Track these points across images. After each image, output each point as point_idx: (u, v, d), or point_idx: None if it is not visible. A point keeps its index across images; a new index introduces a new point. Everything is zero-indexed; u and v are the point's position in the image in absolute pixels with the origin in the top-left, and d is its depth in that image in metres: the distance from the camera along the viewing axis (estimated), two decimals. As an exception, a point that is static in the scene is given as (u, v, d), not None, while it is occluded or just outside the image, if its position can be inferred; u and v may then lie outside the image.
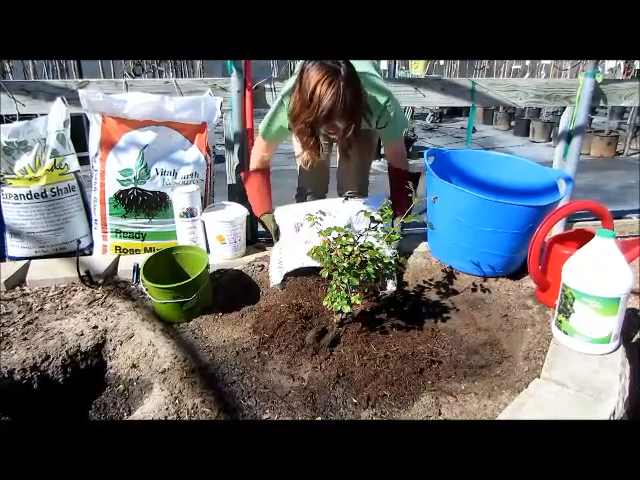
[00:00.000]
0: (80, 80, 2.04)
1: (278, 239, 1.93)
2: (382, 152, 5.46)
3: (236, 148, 2.08)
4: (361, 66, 1.80)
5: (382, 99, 1.72)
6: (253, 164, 1.96)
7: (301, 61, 1.92)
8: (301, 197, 2.22)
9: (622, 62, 7.90)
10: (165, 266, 1.64)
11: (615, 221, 1.57)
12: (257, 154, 1.93)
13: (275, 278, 1.73)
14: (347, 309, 1.40)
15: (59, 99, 1.89)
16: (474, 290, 1.74)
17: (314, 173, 2.10)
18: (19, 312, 1.56)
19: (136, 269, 1.73)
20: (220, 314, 1.58)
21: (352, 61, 1.80)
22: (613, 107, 7.25)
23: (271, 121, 1.78)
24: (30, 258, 1.86)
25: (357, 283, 1.39)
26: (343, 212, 1.90)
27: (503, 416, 1.08)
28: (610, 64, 8.29)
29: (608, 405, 1.08)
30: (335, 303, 1.42)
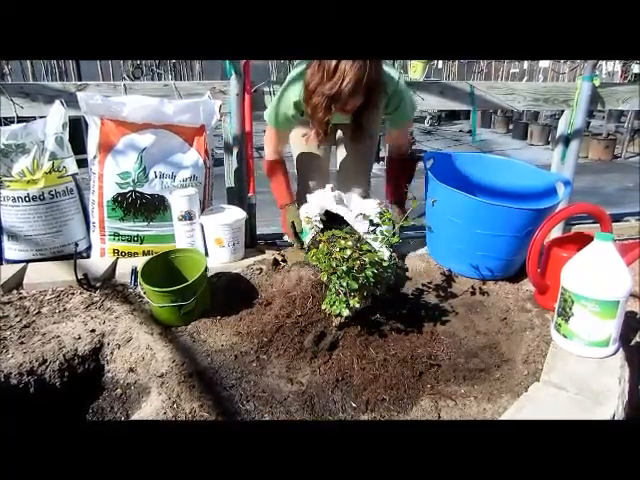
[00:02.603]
0: (79, 83, 2.04)
1: (299, 239, 1.92)
2: (381, 155, 5.51)
3: (235, 151, 2.08)
4: None
5: (395, 76, 1.72)
6: (270, 154, 1.95)
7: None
8: (301, 201, 2.21)
9: (619, 66, 7.94)
10: (163, 269, 1.64)
11: (613, 224, 1.57)
12: (270, 144, 1.93)
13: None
14: (346, 312, 1.40)
15: (58, 102, 1.89)
16: (473, 293, 1.74)
17: (313, 174, 2.09)
18: (16, 315, 1.55)
19: (134, 272, 1.73)
20: (218, 317, 1.57)
21: None
22: (611, 110, 7.28)
23: (276, 110, 1.79)
24: (27, 261, 1.85)
25: (356, 286, 1.39)
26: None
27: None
28: (607, 68, 8.33)
29: (608, 409, 1.08)
30: (334, 306, 1.41)
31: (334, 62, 1.46)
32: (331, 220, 1.88)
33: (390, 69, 1.74)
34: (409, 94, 1.85)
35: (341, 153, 2.16)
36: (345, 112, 1.62)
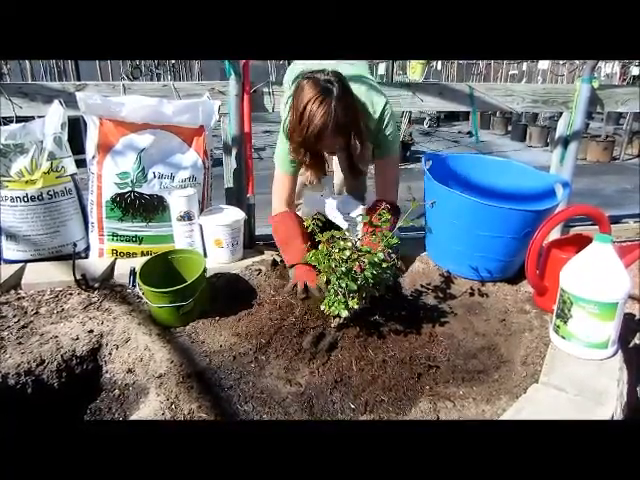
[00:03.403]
0: (78, 83, 2.04)
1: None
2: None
3: (234, 152, 2.08)
4: (359, 69, 1.79)
5: (380, 103, 1.68)
6: (279, 206, 1.80)
7: (292, 69, 1.91)
8: None
9: (618, 68, 7.96)
10: (162, 270, 1.63)
11: (612, 226, 1.57)
12: (281, 192, 1.79)
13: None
14: (345, 313, 1.40)
15: (56, 101, 1.89)
16: (472, 294, 1.74)
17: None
18: (14, 316, 1.54)
19: (132, 273, 1.72)
20: (217, 318, 1.57)
21: (349, 63, 1.77)
22: (609, 112, 7.29)
23: (283, 150, 1.70)
24: (26, 261, 1.84)
25: (355, 287, 1.38)
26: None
27: (501, 421, 1.07)
28: (606, 70, 8.35)
29: (607, 410, 1.08)
30: (333, 307, 1.41)
31: (303, 105, 1.43)
32: (328, 223, 1.88)
33: (378, 96, 1.69)
34: (395, 124, 1.75)
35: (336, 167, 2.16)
36: (329, 154, 1.61)
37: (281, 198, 1.79)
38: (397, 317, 1.56)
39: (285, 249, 1.76)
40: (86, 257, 1.96)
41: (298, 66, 1.88)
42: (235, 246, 1.86)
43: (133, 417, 1.19)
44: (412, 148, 6.61)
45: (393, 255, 1.51)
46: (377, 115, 1.67)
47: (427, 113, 9.07)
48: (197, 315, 1.56)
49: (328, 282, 1.43)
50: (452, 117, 10.05)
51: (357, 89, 1.63)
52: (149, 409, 1.16)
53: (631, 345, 1.53)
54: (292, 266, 1.69)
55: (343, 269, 1.37)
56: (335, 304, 1.41)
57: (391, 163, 1.82)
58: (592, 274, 1.25)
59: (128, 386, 1.34)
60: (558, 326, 1.33)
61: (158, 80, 7.30)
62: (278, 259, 1.86)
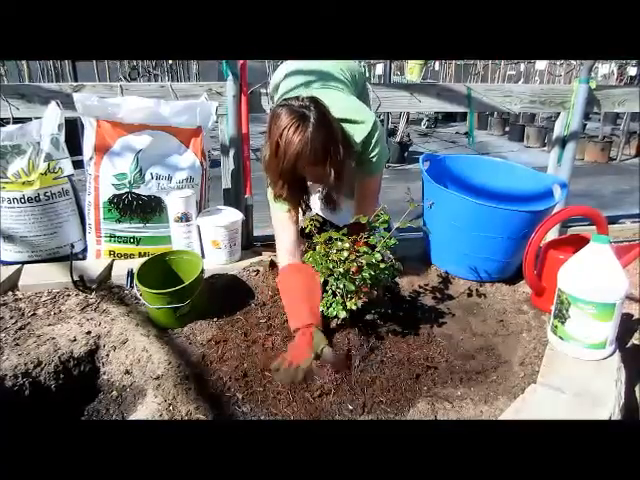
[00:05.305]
0: (75, 84, 2.03)
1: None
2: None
3: (232, 153, 2.08)
4: (331, 69, 1.71)
5: (368, 123, 1.54)
6: (284, 255, 1.60)
7: (276, 72, 1.87)
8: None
9: (615, 69, 7.99)
10: (159, 271, 1.63)
11: (609, 226, 1.57)
12: (284, 236, 1.60)
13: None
14: (343, 314, 1.40)
15: (53, 102, 1.88)
16: (470, 295, 1.74)
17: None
18: (11, 317, 1.54)
19: (130, 274, 1.72)
20: (215, 320, 1.57)
21: (327, 69, 1.71)
22: (607, 113, 7.31)
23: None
24: (23, 263, 1.84)
25: (353, 288, 1.38)
26: None
27: (499, 422, 1.07)
28: (603, 70, 8.37)
29: (605, 410, 1.08)
30: (331, 309, 1.41)
31: (278, 134, 1.33)
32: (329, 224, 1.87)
33: (366, 114, 1.57)
34: (383, 142, 1.63)
35: None
36: (313, 181, 1.50)
37: (287, 244, 1.60)
38: (395, 318, 1.56)
39: (287, 311, 1.51)
40: (83, 258, 1.96)
41: (281, 69, 1.84)
42: (233, 247, 1.86)
43: (131, 419, 1.18)
44: (410, 149, 6.61)
45: (391, 256, 1.51)
46: (363, 137, 1.55)
47: (425, 114, 9.08)
48: (195, 316, 1.56)
49: (326, 283, 1.42)
50: (450, 118, 10.05)
51: (345, 107, 1.53)
52: (147, 411, 1.16)
53: (629, 345, 1.53)
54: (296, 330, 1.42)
55: (341, 270, 1.36)
56: (333, 305, 1.41)
57: (373, 182, 1.73)
58: (590, 275, 1.25)
59: (125, 387, 1.33)
60: (556, 326, 1.33)
61: (155, 81, 7.29)
62: (276, 260, 1.86)
